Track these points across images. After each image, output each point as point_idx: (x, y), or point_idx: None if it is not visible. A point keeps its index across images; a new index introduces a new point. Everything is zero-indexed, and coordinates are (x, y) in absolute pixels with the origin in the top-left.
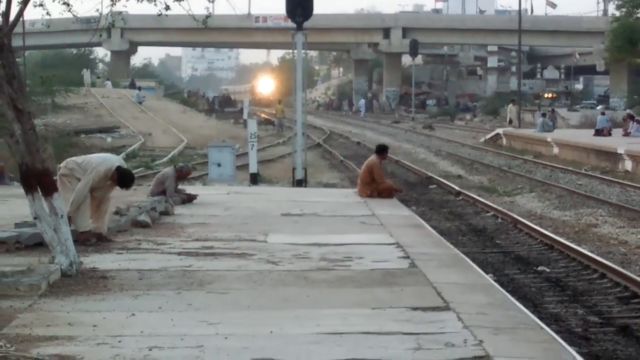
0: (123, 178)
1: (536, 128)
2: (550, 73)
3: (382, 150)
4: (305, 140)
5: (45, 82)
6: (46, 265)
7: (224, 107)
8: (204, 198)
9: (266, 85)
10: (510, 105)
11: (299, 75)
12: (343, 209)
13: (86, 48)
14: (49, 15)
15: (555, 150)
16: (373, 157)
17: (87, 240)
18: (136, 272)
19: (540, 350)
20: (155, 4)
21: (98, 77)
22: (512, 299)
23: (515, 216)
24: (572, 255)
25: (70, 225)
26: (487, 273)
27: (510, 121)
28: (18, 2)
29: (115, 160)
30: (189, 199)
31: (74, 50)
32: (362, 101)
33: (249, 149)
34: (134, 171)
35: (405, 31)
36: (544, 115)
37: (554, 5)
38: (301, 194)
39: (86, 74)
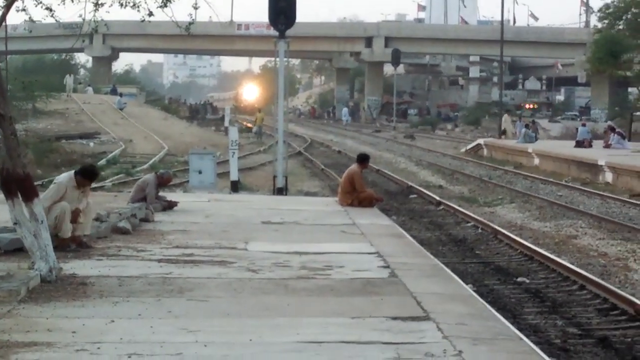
0: (86, 172)
1: (518, 139)
2: (532, 84)
3: (363, 159)
4: (286, 148)
5: (27, 87)
6: (26, 271)
7: (205, 114)
8: (184, 205)
9: (251, 93)
10: (506, 115)
11: (281, 83)
12: (324, 217)
13: (66, 53)
14: (32, 20)
15: (536, 161)
16: (354, 166)
17: (67, 246)
18: (116, 278)
19: None
20: (138, 10)
21: (79, 83)
22: (492, 309)
23: (496, 227)
24: (552, 267)
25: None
26: (467, 283)
27: (504, 132)
28: (0, 6)
29: (71, 172)
30: (170, 206)
31: (55, 56)
32: (345, 110)
33: (230, 156)
34: (114, 177)
35: (388, 40)
36: (526, 126)
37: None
38: (282, 202)
39: (69, 80)
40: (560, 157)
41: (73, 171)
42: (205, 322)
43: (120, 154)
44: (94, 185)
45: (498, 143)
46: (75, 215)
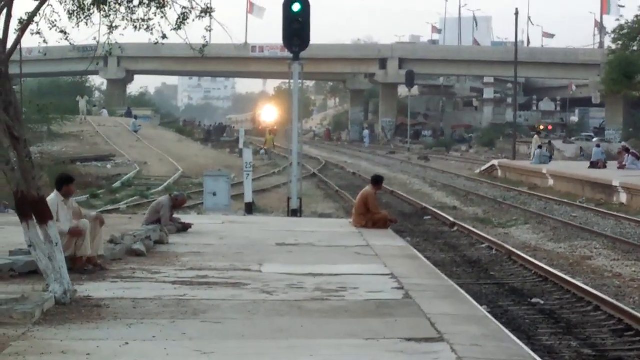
0: (63, 179)
1: (532, 160)
2: (546, 105)
3: (377, 181)
4: (300, 170)
5: (42, 110)
6: (40, 294)
7: (219, 136)
8: (198, 227)
9: (269, 114)
10: (536, 136)
11: (295, 105)
12: (338, 239)
13: (80, 76)
14: (46, 43)
15: (551, 182)
16: (368, 188)
17: (84, 267)
18: (130, 300)
19: None
20: (152, 33)
21: (94, 106)
22: (506, 330)
23: (510, 248)
24: (567, 288)
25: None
26: (481, 305)
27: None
28: (15, 29)
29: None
30: (184, 228)
31: (70, 79)
32: (366, 132)
33: (244, 178)
34: (129, 199)
35: (402, 62)
36: (540, 147)
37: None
38: (296, 224)
39: (81, 102)
40: (575, 178)
41: (54, 190)
42: (220, 344)
43: (135, 176)
44: (109, 207)
45: (513, 164)
46: (75, 234)
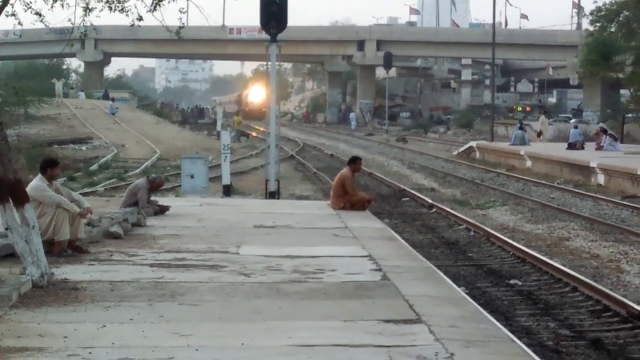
0: (48, 162)
1: (511, 141)
2: (524, 86)
3: (353, 161)
4: (278, 152)
5: (18, 93)
6: (17, 276)
7: (197, 118)
8: (176, 209)
9: (258, 95)
10: (543, 116)
11: (273, 87)
12: (316, 221)
13: (57, 59)
14: (21, 25)
15: (528, 163)
16: (345, 170)
17: (62, 251)
18: (108, 283)
19: None
20: (127, 15)
21: (72, 88)
22: (484, 312)
23: (488, 229)
24: (544, 269)
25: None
26: (459, 286)
27: (540, 133)
28: None
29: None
30: (162, 210)
31: (47, 61)
32: (353, 114)
33: (222, 160)
34: (106, 182)
35: (380, 44)
36: (521, 128)
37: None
38: (274, 206)
39: (57, 85)
40: (553, 160)
41: (38, 174)
42: (197, 326)
43: (112, 158)
44: (86, 190)
45: (490, 146)
46: (85, 214)
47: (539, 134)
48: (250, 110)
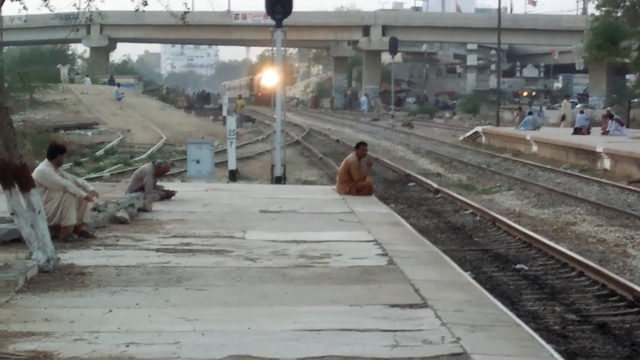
0: (56, 149)
1: (520, 125)
2: (530, 71)
3: (358, 146)
4: (284, 137)
5: (24, 78)
6: (23, 262)
7: (204, 103)
8: (182, 195)
9: (272, 79)
10: (565, 100)
11: (279, 72)
12: (322, 206)
13: (62, 44)
14: (26, 9)
15: (534, 148)
16: (351, 155)
17: (69, 236)
18: (114, 268)
19: (517, 348)
20: (132, 0)
21: (77, 74)
22: (490, 296)
23: (494, 214)
24: (550, 253)
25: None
26: (465, 270)
27: (564, 117)
28: None
29: (42, 162)
30: (167, 195)
31: (52, 47)
32: (364, 98)
33: (228, 145)
34: (112, 167)
35: (385, 29)
36: (530, 113)
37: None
38: (280, 191)
39: (63, 70)
40: (559, 144)
41: (45, 160)
42: (203, 311)
43: (118, 144)
44: (92, 175)
45: (496, 131)
46: (91, 197)
47: (563, 117)
48: (262, 96)
